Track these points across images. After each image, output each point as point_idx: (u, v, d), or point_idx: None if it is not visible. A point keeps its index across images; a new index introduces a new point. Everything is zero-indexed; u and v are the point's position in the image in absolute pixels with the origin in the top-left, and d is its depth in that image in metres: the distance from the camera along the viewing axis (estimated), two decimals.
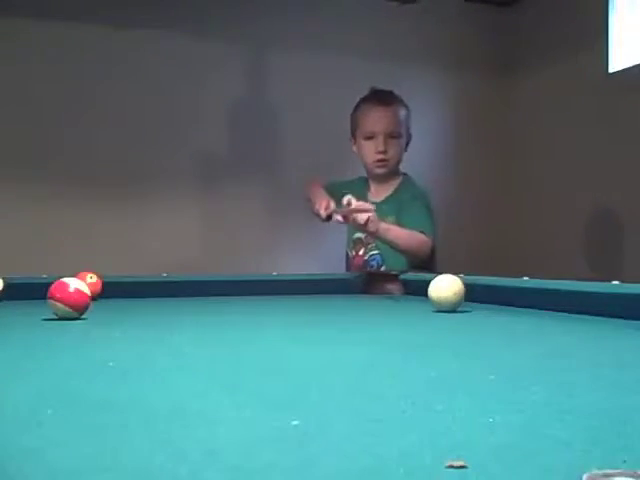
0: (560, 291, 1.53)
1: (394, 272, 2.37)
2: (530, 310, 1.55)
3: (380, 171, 2.63)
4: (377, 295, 2.23)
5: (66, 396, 0.67)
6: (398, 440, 0.51)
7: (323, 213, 2.33)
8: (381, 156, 2.58)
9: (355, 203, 2.21)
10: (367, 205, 2.27)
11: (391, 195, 2.64)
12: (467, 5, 3.99)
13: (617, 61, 3.37)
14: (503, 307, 1.64)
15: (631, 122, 3.28)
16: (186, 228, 3.52)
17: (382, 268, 2.55)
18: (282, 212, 3.65)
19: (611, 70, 3.39)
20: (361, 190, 2.68)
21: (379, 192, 2.68)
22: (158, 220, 3.48)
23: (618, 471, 0.40)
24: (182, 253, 3.41)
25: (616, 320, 1.31)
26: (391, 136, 2.58)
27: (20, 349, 1.04)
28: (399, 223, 2.46)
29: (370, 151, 2.60)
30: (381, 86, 2.67)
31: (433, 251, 2.48)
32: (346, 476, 0.42)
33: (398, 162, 2.64)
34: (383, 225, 2.29)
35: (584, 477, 0.39)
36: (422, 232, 2.42)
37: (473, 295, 1.81)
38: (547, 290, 1.57)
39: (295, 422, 0.55)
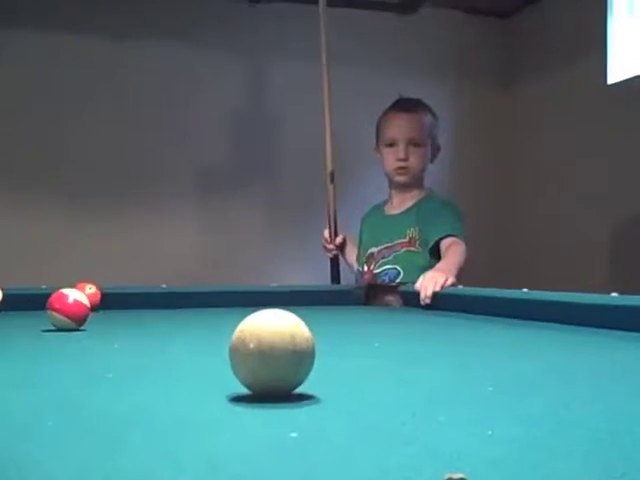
0: (559, 303, 1.52)
1: (394, 284, 2.36)
2: (530, 322, 1.55)
3: (400, 179, 2.54)
4: (377, 306, 2.23)
5: (66, 407, 0.67)
6: (398, 452, 0.51)
7: (330, 246, 2.69)
8: (401, 164, 2.50)
9: (426, 284, 1.98)
10: (430, 278, 2.02)
11: (412, 207, 2.54)
12: (467, 16, 4.01)
13: (616, 73, 3.38)
14: (502, 319, 1.64)
15: (630, 133, 3.28)
16: (185, 239, 3.52)
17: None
18: (281, 223, 3.65)
19: (610, 82, 3.40)
20: (377, 218, 2.67)
21: (401, 204, 2.58)
22: (157, 231, 3.48)
23: None
24: (181, 264, 3.41)
25: (615, 332, 1.31)
26: (412, 144, 2.50)
27: (19, 360, 1.04)
28: (424, 232, 2.41)
29: (390, 159, 2.53)
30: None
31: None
32: None
33: (421, 172, 2.56)
34: (444, 272, 2.06)
35: None
36: (451, 235, 2.32)
37: (473, 307, 1.81)
38: (546, 302, 1.57)
39: (294, 434, 0.55)
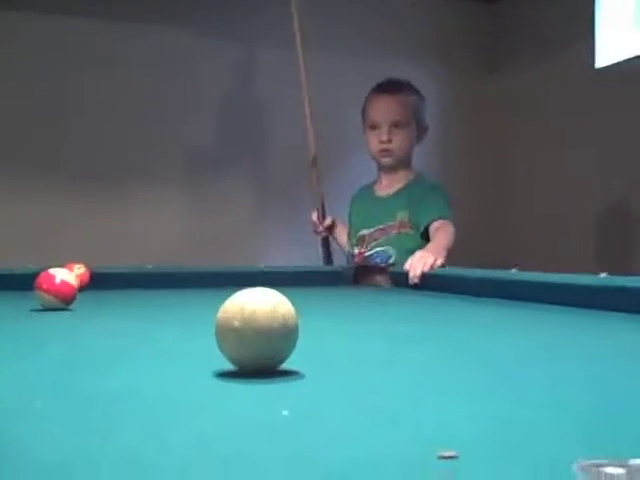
0: (548, 283, 1.53)
1: (383, 265, 2.37)
2: (519, 302, 1.55)
3: (385, 161, 2.54)
4: (366, 286, 2.23)
5: (53, 387, 0.67)
6: (389, 430, 0.50)
7: (319, 229, 2.70)
8: (384, 146, 2.50)
9: (415, 265, 1.98)
10: (419, 258, 2.01)
11: (402, 189, 2.54)
12: (453, 1, 3.98)
13: (604, 57, 3.38)
14: (491, 299, 1.64)
15: (617, 118, 3.28)
16: (173, 220, 3.51)
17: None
18: (271, 204, 3.64)
19: (598, 66, 3.39)
20: (366, 199, 2.66)
21: (390, 185, 2.58)
22: (145, 212, 3.46)
23: (608, 461, 0.40)
24: (169, 245, 3.39)
25: (604, 312, 1.32)
26: (395, 125, 2.49)
27: (6, 340, 1.03)
28: (415, 216, 2.41)
29: (374, 141, 2.53)
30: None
31: None
32: (337, 467, 0.42)
33: (405, 153, 2.55)
34: (433, 253, 2.05)
35: (574, 467, 0.39)
36: (441, 218, 2.33)
37: (464, 288, 1.81)
38: (535, 283, 1.58)
39: (285, 412, 0.55)
